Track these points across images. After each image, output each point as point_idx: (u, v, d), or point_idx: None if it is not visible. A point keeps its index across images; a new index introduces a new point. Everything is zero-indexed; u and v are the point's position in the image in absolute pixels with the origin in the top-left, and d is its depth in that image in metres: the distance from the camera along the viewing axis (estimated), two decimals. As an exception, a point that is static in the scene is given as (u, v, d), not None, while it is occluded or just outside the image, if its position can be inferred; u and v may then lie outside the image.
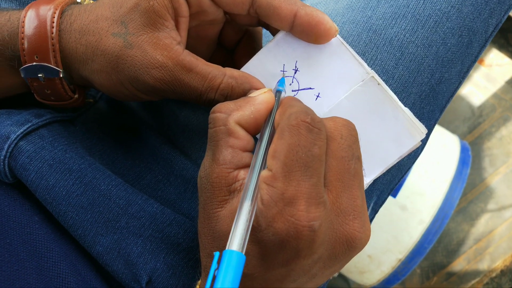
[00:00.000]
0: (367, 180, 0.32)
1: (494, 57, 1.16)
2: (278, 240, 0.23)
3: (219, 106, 0.27)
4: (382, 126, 0.32)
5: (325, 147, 0.25)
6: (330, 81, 0.32)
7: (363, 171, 0.32)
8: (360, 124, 0.32)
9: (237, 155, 0.26)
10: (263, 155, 0.25)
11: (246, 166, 0.26)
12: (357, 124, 0.32)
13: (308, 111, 0.25)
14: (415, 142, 0.31)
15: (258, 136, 0.28)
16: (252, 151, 0.27)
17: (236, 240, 0.21)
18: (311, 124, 0.24)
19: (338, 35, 0.31)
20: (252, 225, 0.24)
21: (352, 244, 0.25)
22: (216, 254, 0.20)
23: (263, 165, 0.25)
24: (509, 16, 0.40)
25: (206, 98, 0.30)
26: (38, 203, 0.34)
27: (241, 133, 0.26)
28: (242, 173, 0.25)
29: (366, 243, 0.26)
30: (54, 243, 0.32)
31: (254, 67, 0.33)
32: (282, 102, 0.28)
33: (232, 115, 0.26)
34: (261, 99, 0.28)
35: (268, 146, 0.26)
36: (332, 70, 0.31)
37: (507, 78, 1.14)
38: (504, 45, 1.15)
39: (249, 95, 0.29)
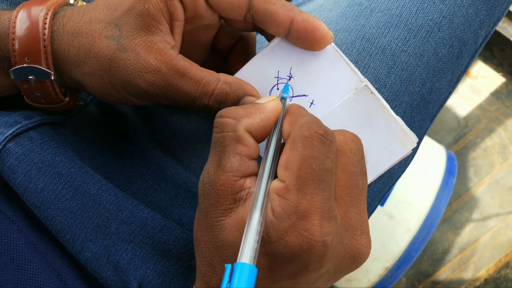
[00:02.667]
0: None
1: (479, 69, 1.18)
2: (289, 254, 0.23)
3: (227, 111, 0.26)
4: (374, 134, 0.32)
5: (336, 160, 0.24)
6: (324, 89, 0.32)
7: None
8: (353, 131, 0.32)
9: (244, 163, 0.25)
10: (271, 163, 0.25)
11: (252, 174, 0.26)
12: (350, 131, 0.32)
13: (319, 122, 0.25)
14: (407, 151, 0.32)
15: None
16: (258, 159, 0.27)
17: (247, 252, 0.20)
18: (324, 136, 0.23)
19: (332, 43, 0.31)
20: (262, 236, 0.23)
21: (357, 259, 0.25)
22: (228, 266, 0.20)
23: (272, 175, 0.25)
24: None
25: (199, 104, 0.30)
26: (20, 211, 0.33)
27: (250, 140, 0.26)
28: (248, 181, 0.25)
29: (368, 257, 0.26)
30: (33, 253, 0.31)
31: (249, 72, 0.32)
32: (288, 110, 0.28)
33: (242, 122, 0.26)
34: (270, 106, 0.27)
35: (276, 155, 0.25)
36: (326, 77, 0.32)
37: (491, 89, 1.16)
38: (489, 57, 1.17)
39: (257, 102, 0.28)
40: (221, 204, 0.25)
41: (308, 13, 0.29)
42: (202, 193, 0.26)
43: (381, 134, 0.32)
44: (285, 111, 0.28)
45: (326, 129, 0.24)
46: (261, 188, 0.23)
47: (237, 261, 0.20)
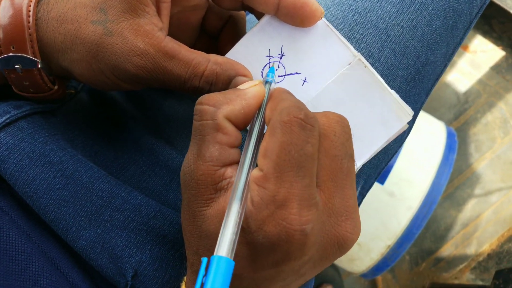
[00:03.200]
0: (357, 164, 0.32)
1: (478, 43, 1.16)
2: (268, 243, 0.22)
3: (206, 98, 0.25)
4: (370, 109, 0.31)
5: (318, 144, 0.23)
6: (316, 65, 0.31)
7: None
8: (347, 107, 0.31)
9: (224, 151, 0.24)
10: (253, 152, 0.24)
11: (234, 163, 0.25)
12: (344, 108, 0.31)
13: (300, 106, 0.23)
14: (403, 124, 0.31)
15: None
16: (240, 147, 0.26)
17: (225, 245, 0.20)
18: (304, 121, 0.22)
19: (323, 18, 0.30)
20: (242, 226, 0.23)
21: (343, 245, 0.24)
22: (204, 260, 0.20)
23: (253, 164, 0.24)
24: (492, 2, 0.40)
25: (190, 86, 0.30)
26: (12, 201, 0.33)
27: (230, 128, 0.25)
28: (229, 170, 0.24)
29: (355, 242, 0.25)
30: (27, 243, 0.31)
31: (239, 52, 0.32)
32: (272, 94, 0.27)
33: (221, 109, 0.25)
34: (252, 93, 0.26)
35: (258, 143, 0.25)
36: (319, 53, 0.31)
37: (491, 64, 1.15)
38: (488, 31, 1.15)
39: (239, 87, 0.27)
40: (201, 194, 0.24)
41: None
42: (183, 183, 0.25)
43: (377, 109, 0.31)
44: (269, 96, 0.27)
45: (307, 113, 0.23)
46: (240, 179, 0.23)
47: (214, 253, 0.20)
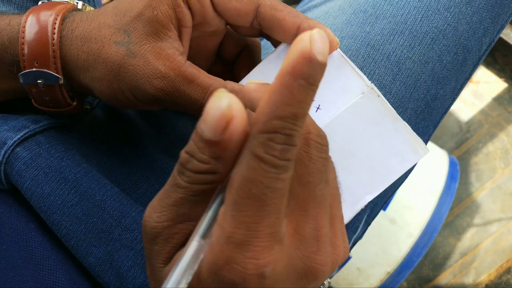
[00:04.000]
0: (370, 197, 0.32)
1: (481, 74, 1.18)
2: None
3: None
4: (383, 139, 0.32)
5: (292, 175, 0.20)
6: (330, 93, 0.32)
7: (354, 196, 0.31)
8: (360, 137, 0.32)
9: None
10: (208, 223, 0.20)
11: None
12: (357, 137, 0.32)
13: (278, 136, 0.18)
14: (419, 158, 0.31)
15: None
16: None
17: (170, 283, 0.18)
18: (279, 157, 0.18)
19: (338, 49, 0.31)
20: (196, 271, 0.20)
21: (314, 279, 0.22)
22: None
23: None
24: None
25: None
26: (33, 210, 0.33)
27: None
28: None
29: (333, 271, 0.23)
30: (50, 250, 0.32)
31: (255, 78, 0.33)
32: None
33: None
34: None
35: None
36: (332, 82, 0.32)
37: (494, 95, 1.16)
38: (491, 63, 1.17)
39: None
40: (159, 251, 0.22)
41: (315, 20, 0.30)
42: (142, 231, 0.22)
43: (391, 140, 0.31)
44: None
45: (283, 148, 0.18)
46: (186, 255, 0.20)
47: None
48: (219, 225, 0.19)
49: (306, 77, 0.18)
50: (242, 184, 0.19)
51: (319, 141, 0.22)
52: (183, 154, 0.20)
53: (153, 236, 0.22)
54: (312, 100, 0.19)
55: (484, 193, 1.11)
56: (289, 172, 0.19)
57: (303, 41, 0.17)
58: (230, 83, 0.31)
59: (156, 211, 0.22)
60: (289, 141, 0.18)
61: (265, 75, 0.32)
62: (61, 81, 0.31)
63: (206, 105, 0.18)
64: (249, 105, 0.25)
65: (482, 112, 1.16)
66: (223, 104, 0.18)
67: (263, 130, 0.18)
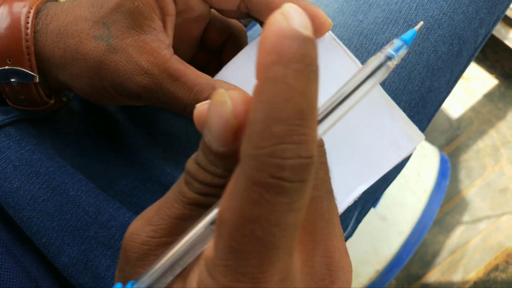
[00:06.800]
0: (364, 187, 0.29)
1: (472, 70, 1.18)
2: None
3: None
4: (378, 127, 0.30)
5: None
6: (321, 78, 0.30)
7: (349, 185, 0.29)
8: (354, 124, 0.30)
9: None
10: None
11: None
12: (351, 125, 0.30)
13: (289, 136, 0.13)
14: (415, 145, 0.29)
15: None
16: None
17: None
18: (291, 179, 0.13)
19: (330, 31, 0.30)
20: None
21: None
22: None
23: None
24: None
25: (191, 111, 0.28)
26: None
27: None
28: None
29: None
30: (6, 256, 0.29)
31: (239, 66, 0.31)
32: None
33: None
34: None
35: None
36: (324, 66, 0.30)
37: (484, 91, 1.16)
38: (482, 59, 1.17)
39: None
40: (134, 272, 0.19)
41: (305, 0, 0.28)
42: (122, 253, 0.19)
43: (386, 127, 0.30)
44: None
45: (296, 164, 0.13)
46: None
47: None
48: (209, 273, 0.15)
49: (300, 58, 0.13)
50: (239, 226, 0.14)
51: (318, 143, 0.18)
52: (191, 165, 0.17)
53: (140, 255, 0.17)
54: (317, 87, 0.14)
55: (473, 190, 1.11)
56: (306, 197, 0.14)
57: (277, 21, 0.13)
58: (218, 83, 0.29)
59: (151, 223, 0.18)
60: (303, 151, 0.13)
61: (252, 60, 0.31)
62: (37, 79, 0.29)
63: (208, 112, 0.15)
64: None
65: (473, 108, 1.16)
66: (225, 109, 0.15)
67: (261, 144, 0.13)
